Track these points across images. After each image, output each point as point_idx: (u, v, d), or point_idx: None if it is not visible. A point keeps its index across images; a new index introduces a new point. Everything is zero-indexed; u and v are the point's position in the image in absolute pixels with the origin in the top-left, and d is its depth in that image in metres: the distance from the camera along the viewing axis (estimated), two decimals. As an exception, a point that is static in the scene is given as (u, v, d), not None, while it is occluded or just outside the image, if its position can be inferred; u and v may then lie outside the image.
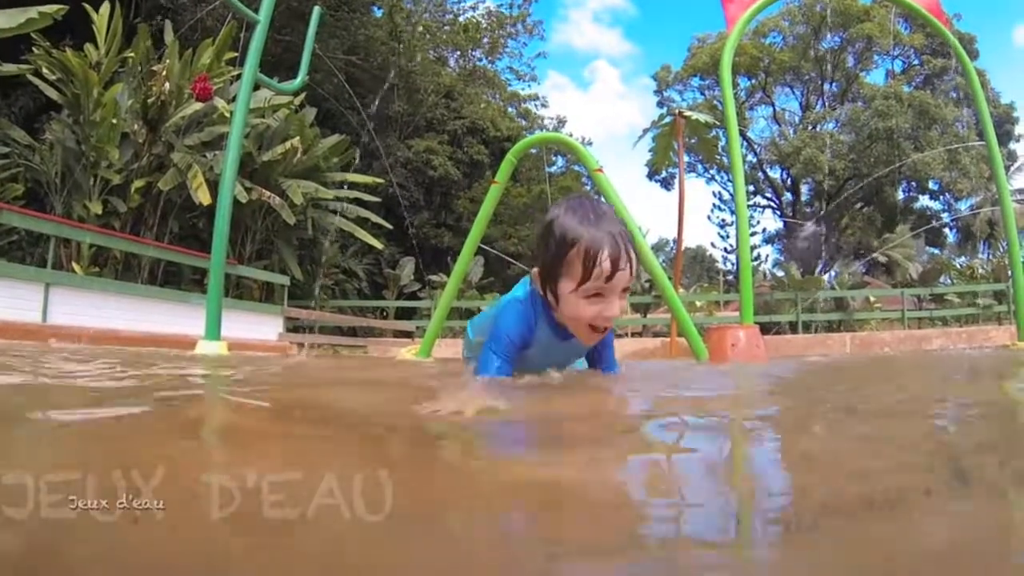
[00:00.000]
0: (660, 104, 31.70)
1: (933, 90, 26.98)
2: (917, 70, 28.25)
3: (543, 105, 26.73)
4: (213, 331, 5.41)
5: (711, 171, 31.05)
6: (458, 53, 23.29)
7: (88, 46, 10.31)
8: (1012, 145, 29.28)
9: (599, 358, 2.10)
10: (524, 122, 25.38)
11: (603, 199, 4.09)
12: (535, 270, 1.75)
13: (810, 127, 28.06)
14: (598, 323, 1.69)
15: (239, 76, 7.02)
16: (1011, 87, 62.83)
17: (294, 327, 11.57)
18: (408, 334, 13.50)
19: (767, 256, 32.68)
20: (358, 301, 15.40)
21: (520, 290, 1.93)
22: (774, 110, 31.38)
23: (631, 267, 1.64)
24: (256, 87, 10.02)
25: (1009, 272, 5.50)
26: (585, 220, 1.63)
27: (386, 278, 17.37)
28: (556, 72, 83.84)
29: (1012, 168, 29.55)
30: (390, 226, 15.07)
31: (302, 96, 12.76)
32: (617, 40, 68.63)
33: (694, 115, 10.10)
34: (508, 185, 19.52)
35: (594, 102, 73.74)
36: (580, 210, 1.67)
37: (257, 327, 9.77)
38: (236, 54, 10.84)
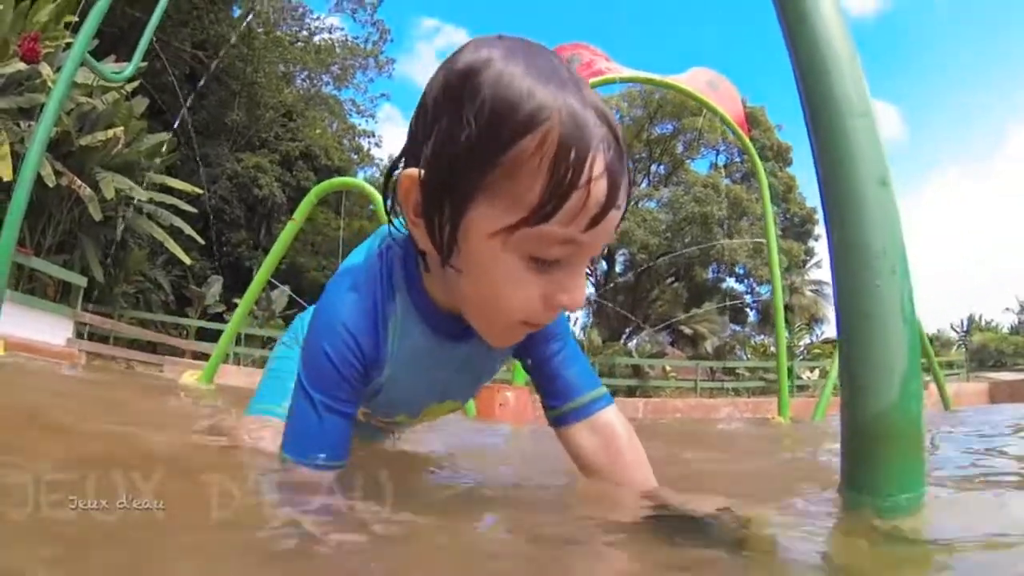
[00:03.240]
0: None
1: (748, 186, 31.36)
2: (737, 166, 32.70)
3: (376, 145, 27.93)
4: (-12, 327, 4.84)
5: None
6: (306, 73, 23.71)
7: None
8: (811, 243, 34.37)
9: (553, 373, 1.11)
10: (356, 157, 26.12)
11: None
12: (407, 174, 0.86)
13: (633, 202, 31.33)
14: (532, 316, 0.87)
15: (71, 44, 6.78)
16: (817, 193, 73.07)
17: (88, 334, 11.23)
18: (207, 356, 13.42)
19: (576, 320, 35.87)
20: (159, 315, 15.03)
21: (358, 255, 1.06)
22: (600, 181, 34.68)
23: (626, 204, 0.86)
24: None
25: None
26: (555, 79, 0.79)
27: (190, 296, 17.16)
28: (390, 104, 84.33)
29: (810, 263, 34.78)
30: (203, 241, 15.05)
31: (136, 83, 12.58)
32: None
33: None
34: (330, 217, 19.90)
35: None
36: (539, 59, 0.81)
37: (45, 329, 9.43)
38: (76, 19, 10.20)
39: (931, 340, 30.65)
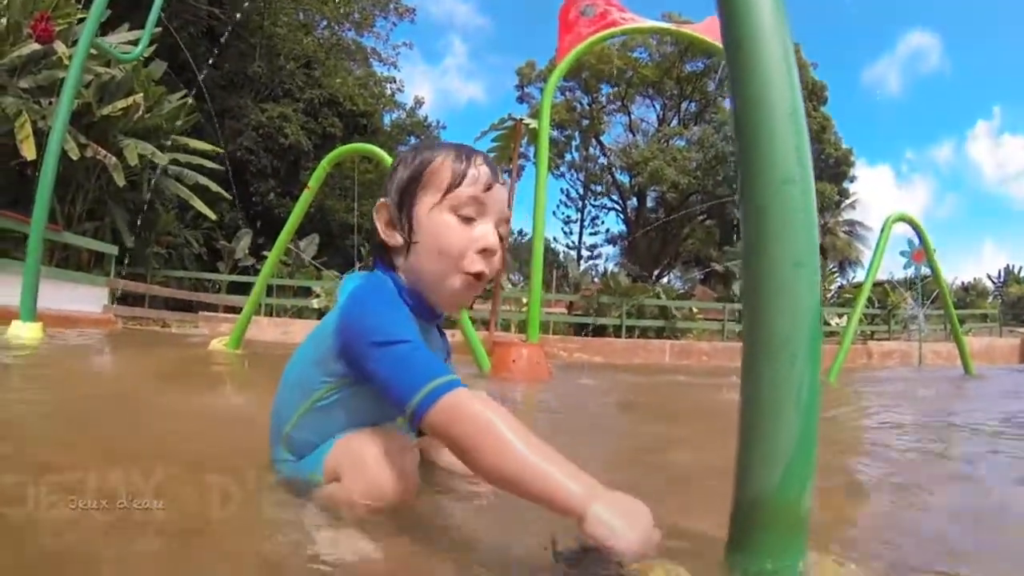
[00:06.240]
0: (520, 100, 33.97)
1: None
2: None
3: (399, 90, 27.66)
4: (28, 312, 5.26)
5: (561, 168, 33.71)
6: (326, 22, 23.37)
7: (-80, -37, 9.53)
8: (846, 184, 33.50)
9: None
10: (378, 103, 26.08)
11: None
12: (380, 202, 1.32)
13: (663, 141, 30.74)
14: (471, 263, 1.24)
15: (84, 20, 6.83)
16: (854, 130, 68.77)
17: (123, 297, 11.62)
18: (239, 310, 13.70)
19: (608, 256, 37.39)
20: (192, 272, 15.39)
21: (351, 282, 1.31)
22: (630, 119, 34.15)
23: (508, 195, 1.33)
24: (103, 31, 9.60)
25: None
26: (455, 148, 1.30)
27: (221, 250, 17.51)
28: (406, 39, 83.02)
29: (845, 204, 33.99)
30: (229, 197, 15.29)
31: (153, 47, 12.64)
32: (470, 13, 69.38)
33: (533, 123, 10.53)
34: (357, 160, 19.49)
35: (440, 75, 74.04)
36: (449, 144, 1.34)
37: (81, 298, 9.82)
38: (86, -8, 10.21)
39: (966, 289, 29.83)
